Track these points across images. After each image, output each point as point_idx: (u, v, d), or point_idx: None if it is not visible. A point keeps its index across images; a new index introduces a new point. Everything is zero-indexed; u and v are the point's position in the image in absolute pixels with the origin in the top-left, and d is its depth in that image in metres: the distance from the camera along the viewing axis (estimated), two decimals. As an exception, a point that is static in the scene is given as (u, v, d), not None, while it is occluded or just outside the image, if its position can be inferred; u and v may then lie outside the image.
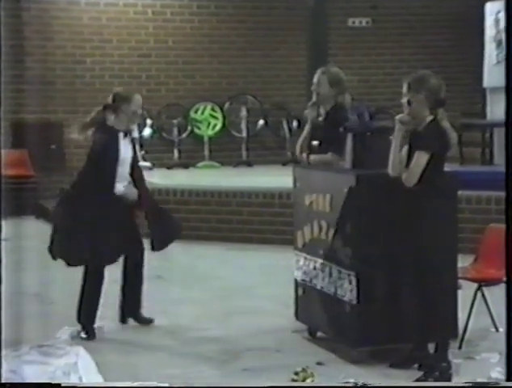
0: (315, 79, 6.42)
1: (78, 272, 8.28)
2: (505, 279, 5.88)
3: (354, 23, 14.32)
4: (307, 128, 6.51)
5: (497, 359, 5.61)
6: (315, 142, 6.37)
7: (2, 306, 4.02)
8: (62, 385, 4.20)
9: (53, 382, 4.52)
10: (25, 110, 12.61)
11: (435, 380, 5.14)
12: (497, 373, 5.35)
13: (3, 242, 4.67)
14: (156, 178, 11.64)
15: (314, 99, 6.46)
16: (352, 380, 5.23)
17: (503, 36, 12.03)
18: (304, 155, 6.47)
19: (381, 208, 5.47)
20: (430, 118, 5.20)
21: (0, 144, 9.32)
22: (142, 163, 13.00)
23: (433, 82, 5.22)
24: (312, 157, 6.40)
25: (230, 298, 7.41)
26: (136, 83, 13.52)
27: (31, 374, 4.54)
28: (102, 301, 7.32)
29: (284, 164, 12.47)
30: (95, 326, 6.37)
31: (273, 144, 13.93)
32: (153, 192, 10.75)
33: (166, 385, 4.34)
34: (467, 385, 4.18)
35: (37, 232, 10.80)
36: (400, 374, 5.30)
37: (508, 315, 3.18)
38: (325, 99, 6.40)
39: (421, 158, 5.13)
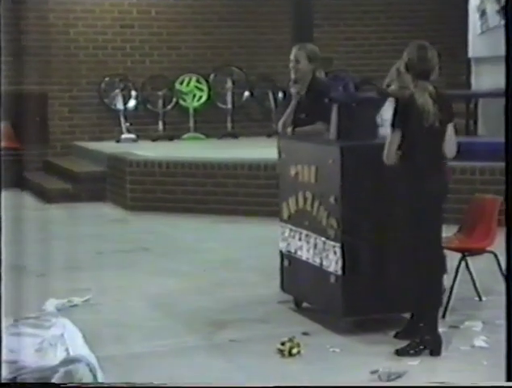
0: (292, 56, 6.45)
1: (61, 245, 8.31)
2: (488, 248, 5.99)
3: (339, -7, 14.26)
4: (292, 104, 6.51)
5: (480, 327, 5.68)
6: (302, 115, 6.38)
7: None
8: (61, 385, 4.19)
9: (41, 354, 4.55)
10: (9, 81, 12.52)
11: (418, 350, 5.18)
12: (481, 341, 5.42)
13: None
14: (141, 150, 11.65)
15: (293, 75, 6.46)
16: (338, 349, 5.30)
17: (487, 6, 12.06)
18: (289, 130, 6.47)
19: (366, 179, 5.50)
20: (409, 92, 5.21)
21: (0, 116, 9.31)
22: (127, 135, 13.07)
23: (412, 54, 5.20)
24: (299, 129, 6.40)
25: (217, 270, 7.44)
26: (120, 54, 13.49)
27: (18, 346, 4.56)
28: (87, 274, 7.36)
29: (270, 136, 12.47)
30: (81, 300, 6.41)
31: (258, 115, 13.92)
32: (138, 164, 10.83)
33: (166, 385, 4.33)
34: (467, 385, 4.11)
35: (22, 204, 10.84)
36: (386, 343, 5.34)
37: (508, 315, 3.11)
38: (304, 74, 6.41)
39: (393, 135, 5.16)
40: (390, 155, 5.19)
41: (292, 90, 6.53)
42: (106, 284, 6.97)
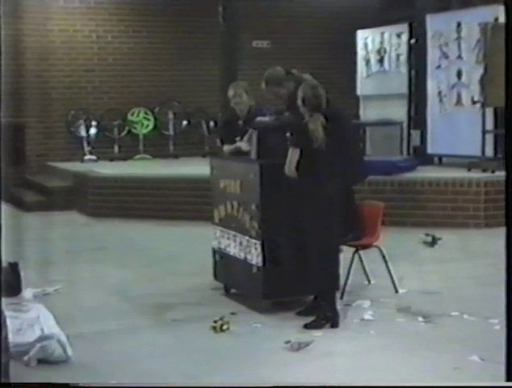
0: (234, 92, 6.24)
1: (37, 245, 8.12)
2: (375, 244, 6.05)
3: (257, 44, 14.36)
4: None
5: (368, 304, 5.73)
6: (238, 138, 6.23)
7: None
8: (64, 385, 4.04)
9: (21, 332, 4.44)
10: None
11: (321, 324, 5.19)
12: (369, 315, 5.47)
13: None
14: (100, 168, 11.51)
15: (239, 108, 6.24)
16: (259, 325, 5.29)
17: (371, 56, 12.28)
18: (225, 148, 6.30)
19: (280, 190, 5.50)
20: (305, 119, 5.24)
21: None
22: (89, 157, 12.88)
23: (308, 92, 5.23)
24: (226, 147, 6.32)
25: (162, 263, 7.38)
26: (83, 93, 13.36)
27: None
28: (58, 268, 7.20)
29: (204, 156, 12.42)
30: (52, 289, 6.27)
31: (195, 140, 13.86)
32: (98, 180, 10.69)
33: (166, 385, 4.25)
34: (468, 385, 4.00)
35: (6, 213, 10.59)
36: (296, 319, 5.36)
37: (508, 314, 3.10)
38: (245, 106, 6.27)
39: (292, 153, 5.19)
40: (290, 169, 5.22)
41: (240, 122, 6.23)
42: (73, 276, 6.84)
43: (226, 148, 6.31)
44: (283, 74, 5.93)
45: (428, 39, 10.73)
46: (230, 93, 6.30)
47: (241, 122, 6.26)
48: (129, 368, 4.53)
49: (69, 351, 4.62)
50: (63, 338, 4.63)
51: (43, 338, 4.56)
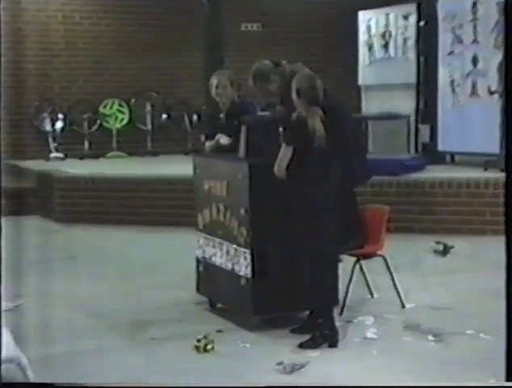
0: (218, 81, 6.24)
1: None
2: (379, 252, 6.07)
3: (246, 27, 14.38)
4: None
5: (372, 321, 5.75)
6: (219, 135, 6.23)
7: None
8: (62, 385, 4.02)
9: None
10: None
11: (318, 343, 5.20)
12: (372, 334, 5.49)
13: None
14: (68, 167, 11.48)
15: (221, 102, 6.26)
16: (248, 345, 5.30)
17: (374, 41, 12.31)
18: (207, 144, 6.33)
19: (271, 192, 5.51)
20: (302, 114, 5.23)
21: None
22: (55, 154, 12.86)
23: (303, 84, 5.24)
24: (208, 143, 6.32)
25: (139, 275, 7.38)
26: (48, 81, 13.30)
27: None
28: (19, 281, 7.17)
29: (186, 153, 12.42)
30: (13, 305, 6.24)
31: (175, 136, 13.86)
32: (66, 180, 10.67)
33: (166, 385, 4.21)
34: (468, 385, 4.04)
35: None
36: (290, 338, 5.36)
37: (508, 316, 3.15)
38: (228, 97, 6.26)
39: (285, 151, 5.19)
40: (280, 168, 5.22)
41: (221, 115, 6.27)
42: (37, 289, 6.81)
43: (208, 144, 6.32)
44: (271, 68, 5.92)
45: (439, 21, 10.77)
46: (213, 82, 6.30)
47: (222, 115, 6.27)
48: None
49: (31, 375, 4.60)
50: (24, 361, 4.61)
51: (1, 361, 4.53)
